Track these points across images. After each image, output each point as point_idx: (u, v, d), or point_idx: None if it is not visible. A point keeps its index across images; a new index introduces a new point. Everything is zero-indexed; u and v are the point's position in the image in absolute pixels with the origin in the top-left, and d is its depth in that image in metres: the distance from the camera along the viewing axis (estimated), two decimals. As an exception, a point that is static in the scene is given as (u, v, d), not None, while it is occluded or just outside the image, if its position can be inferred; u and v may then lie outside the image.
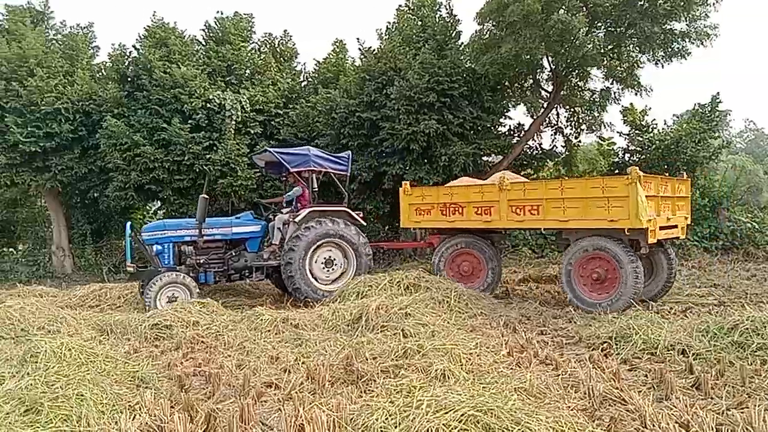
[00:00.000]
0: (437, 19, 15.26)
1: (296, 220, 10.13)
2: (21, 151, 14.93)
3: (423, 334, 6.53)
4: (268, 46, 18.02)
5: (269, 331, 7.37)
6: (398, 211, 11.15)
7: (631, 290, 8.23)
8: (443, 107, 13.71)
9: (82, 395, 4.38)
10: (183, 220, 10.54)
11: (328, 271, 10.32)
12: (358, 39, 15.47)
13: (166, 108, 14.83)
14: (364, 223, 11.08)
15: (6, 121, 14.69)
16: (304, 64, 18.59)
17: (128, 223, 10.04)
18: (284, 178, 11.58)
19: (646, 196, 8.14)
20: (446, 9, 15.41)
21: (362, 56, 15.44)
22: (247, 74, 16.62)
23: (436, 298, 8.43)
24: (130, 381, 5.28)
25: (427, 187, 11.43)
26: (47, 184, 15.76)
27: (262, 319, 7.69)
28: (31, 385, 4.57)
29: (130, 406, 4.55)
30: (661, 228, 8.66)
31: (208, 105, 14.87)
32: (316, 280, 10.19)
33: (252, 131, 15.72)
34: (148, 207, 19.61)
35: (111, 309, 10.41)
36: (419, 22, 15.40)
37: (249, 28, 17.24)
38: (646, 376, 5.31)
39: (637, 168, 8.11)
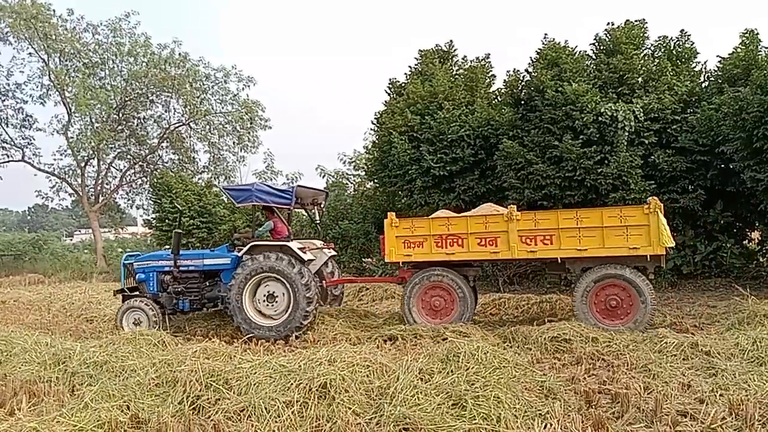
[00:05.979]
0: None
1: (239, 254, 10.39)
2: (433, 175, 17.22)
3: None
4: (662, 49, 16.85)
5: (675, 355, 6.82)
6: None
7: (650, 314, 8.69)
8: None
9: (498, 397, 4.75)
10: (164, 252, 11.49)
11: (271, 306, 10.14)
12: (776, 24, 13.24)
13: (558, 126, 15.16)
14: (307, 257, 10.29)
15: (420, 149, 17.15)
16: (705, 62, 16.66)
17: (125, 254, 11.33)
18: None
19: None
20: None
21: (782, 43, 13.14)
22: (639, 82, 15.80)
23: None
24: (539, 390, 5.50)
25: (418, 219, 10.62)
26: (452, 203, 17.75)
27: (666, 342, 7.17)
28: (455, 381, 5.16)
29: (540, 414, 4.74)
30: None
31: (599, 118, 14.63)
32: (264, 316, 10.16)
33: (646, 141, 14.84)
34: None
35: (510, 318, 11.14)
36: None
37: (641, 34, 16.40)
38: None
39: (657, 198, 8.65)
